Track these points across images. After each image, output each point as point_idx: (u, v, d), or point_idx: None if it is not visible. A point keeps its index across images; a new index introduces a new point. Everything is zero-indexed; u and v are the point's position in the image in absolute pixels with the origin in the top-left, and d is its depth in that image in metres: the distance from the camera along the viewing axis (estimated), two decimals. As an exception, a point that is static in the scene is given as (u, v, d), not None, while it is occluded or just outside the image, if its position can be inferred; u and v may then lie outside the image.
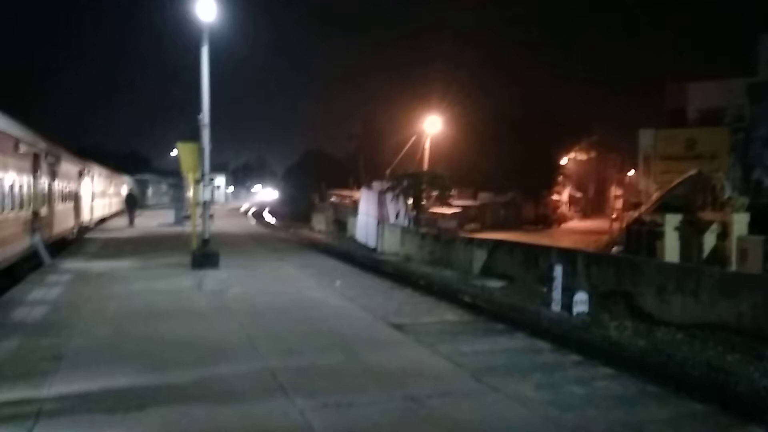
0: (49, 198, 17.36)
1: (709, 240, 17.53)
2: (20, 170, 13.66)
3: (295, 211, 57.39)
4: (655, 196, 24.75)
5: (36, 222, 15.36)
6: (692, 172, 21.00)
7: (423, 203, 30.84)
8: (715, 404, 6.23)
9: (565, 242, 27.73)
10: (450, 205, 35.16)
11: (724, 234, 17.39)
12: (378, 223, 25.67)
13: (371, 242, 25.72)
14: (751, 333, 9.53)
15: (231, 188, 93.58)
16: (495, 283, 15.10)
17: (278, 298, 11.29)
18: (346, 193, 44.66)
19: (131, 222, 30.22)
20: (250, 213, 57.87)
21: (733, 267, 16.03)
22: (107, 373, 6.51)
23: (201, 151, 15.66)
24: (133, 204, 32.62)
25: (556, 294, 11.97)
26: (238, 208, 66.88)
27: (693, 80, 36.76)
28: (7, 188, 12.39)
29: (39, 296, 11.03)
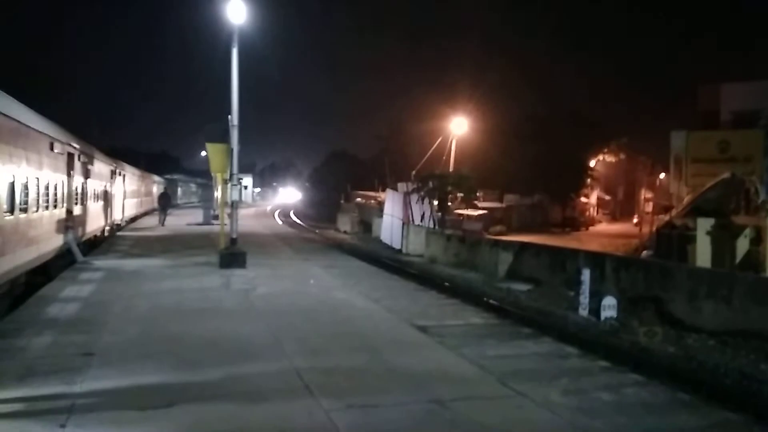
0: (82, 197, 17.76)
1: (743, 245, 17.13)
2: (55, 169, 14.00)
3: (321, 211, 57.72)
4: (686, 199, 24.30)
5: (69, 220, 15.71)
6: (725, 175, 20.55)
7: (448, 205, 30.75)
8: (749, 414, 6.08)
9: (593, 246, 27.39)
10: (476, 207, 34.99)
11: (758, 239, 16.99)
12: (403, 225, 25.67)
13: (396, 243, 25.73)
14: (786, 341, 9.28)
15: (258, 189, 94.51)
16: (521, 287, 14.97)
17: (304, 299, 11.36)
18: (371, 194, 44.75)
19: (162, 222, 30.38)
20: (276, 213, 58.40)
21: (767, 272, 15.64)
22: (137, 370, 6.63)
23: (230, 151, 15.86)
24: (166, 203, 32.61)
25: (584, 298, 11.82)
26: (265, 209, 67.49)
27: (726, 81, 35.93)
28: (42, 187, 12.71)
29: (72, 293, 11.29)
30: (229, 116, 15.75)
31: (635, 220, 44.56)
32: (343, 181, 53.49)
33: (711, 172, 25.21)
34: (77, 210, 16.85)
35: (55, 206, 14.12)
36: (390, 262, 19.73)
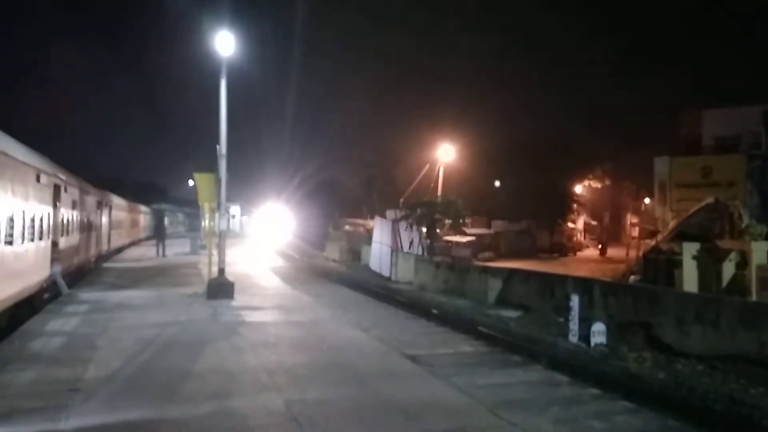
0: (68, 228, 17.61)
1: (728, 269, 17.31)
2: (41, 201, 13.91)
3: (310, 239, 57.54)
4: (672, 224, 24.55)
5: (55, 252, 15.55)
6: (709, 199, 20.83)
7: (437, 231, 30.81)
8: (739, 440, 6.08)
9: (581, 271, 27.48)
10: (464, 234, 35.08)
11: (743, 263, 17.17)
12: (392, 252, 25.66)
13: (385, 271, 25.68)
14: (774, 365, 9.33)
15: (246, 217, 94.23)
16: (510, 313, 14.97)
17: (293, 329, 11.27)
18: (360, 221, 44.77)
19: (161, 253, 29.13)
20: (264, 242, 58.11)
21: (753, 296, 15.78)
22: (123, 405, 6.52)
23: (218, 181, 15.85)
24: (163, 234, 31.78)
25: (573, 324, 11.85)
26: (253, 237, 67.15)
27: (708, 107, 36.66)
28: (28, 219, 12.61)
29: (56, 327, 11.11)
30: (218, 146, 15.79)
31: (600, 247, 47.23)
32: (332, 208, 53.52)
33: (695, 197, 25.58)
34: (63, 242, 16.69)
35: (40, 238, 13.98)
36: (379, 290, 19.67)
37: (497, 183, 48.10)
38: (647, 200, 54.88)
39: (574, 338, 11.71)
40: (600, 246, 48.83)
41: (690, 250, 17.89)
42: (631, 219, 63.94)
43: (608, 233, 63.25)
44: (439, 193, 33.08)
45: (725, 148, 33.41)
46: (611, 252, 45.94)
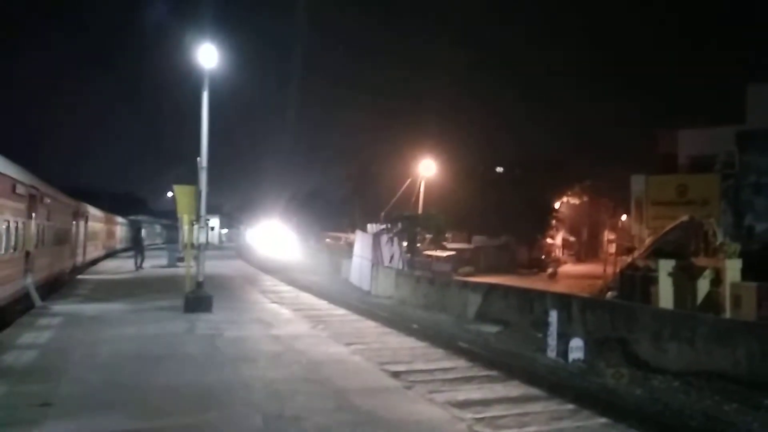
0: (43, 239, 17.30)
1: (703, 286, 17.58)
2: (15, 212, 13.67)
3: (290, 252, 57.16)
4: (648, 241, 24.89)
5: (28, 263, 15.26)
6: (684, 217, 21.18)
7: (418, 246, 30.88)
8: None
9: (560, 287, 27.71)
10: (444, 248, 35.20)
11: (717, 280, 17.46)
12: (372, 266, 25.60)
13: (365, 285, 25.59)
14: (747, 381, 9.47)
15: (225, 230, 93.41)
16: (490, 328, 15.00)
17: (272, 343, 11.17)
18: (340, 235, 44.71)
19: (138, 264, 28.62)
20: (244, 255, 57.64)
21: (728, 313, 16.03)
22: (97, 420, 6.40)
23: (198, 193, 15.73)
24: (140, 246, 31.02)
25: (552, 340, 11.90)
26: (233, 250, 66.55)
27: (683, 127, 37.43)
28: (2, 229, 12.37)
29: (29, 340, 10.88)
30: (198, 159, 15.69)
31: (550, 271, 42.79)
32: (313, 221, 53.37)
33: (670, 215, 25.98)
34: (37, 252, 16.39)
35: (14, 249, 13.72)
36: (359, 303, 19.58)
37: (478, 198, 48.48)
38: (624, 217, 55.65)
39: (552, 354, 11.76)
40: (550, 270, 43.32)
41: (666, 267, 18.15)
42: (608, 235, 64.77)
43: (586, 249, 63.99)
44: (421, 207, 33.21)
45: (700, 168, 34.09)
46: (589, 268, 46.40)
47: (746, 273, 17.40)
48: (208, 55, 15.21)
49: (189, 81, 15.95)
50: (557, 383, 9.20)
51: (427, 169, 33.84)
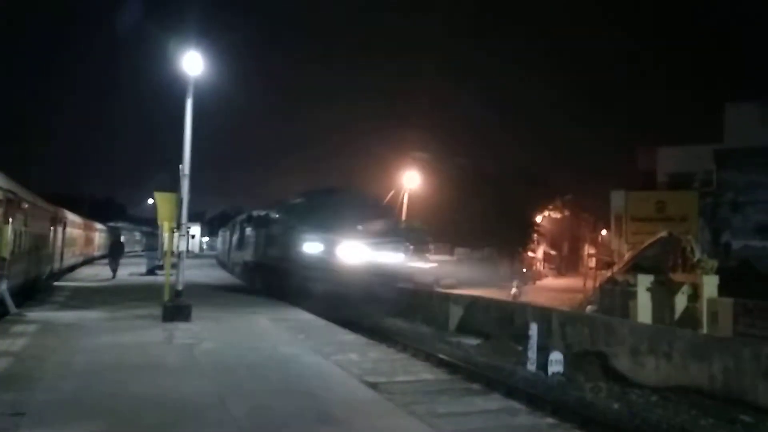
0: (18, 245, 17.00)
1: (681, 301, 17.83)
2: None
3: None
4: (627, 256, 25.20)
5: (4, 269, 14.97)
6: (663, 233, 21.51)
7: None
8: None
9: (540, 300, 27.85)
10: (427, 260, 35.25)
11: (694, 295, 17.72)
12: (354, 277, 25.50)
13: (347, 296, 25.48)
14: (722, 396, 9.61)
15: (207, 238, 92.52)
16: (471, 341, 15.05)
17: (251, 354, 11.06)
18: (323, 245, 44.41)
19: (116, 272, 28.13)
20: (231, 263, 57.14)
21: (705, 329, 16.25)
22: (71, 430, 6.27)
23: (179, 201, 15.58)
24: (118, 253, 30.34)
25: (532, 353, 11.98)
26: (213, 258, 65.97)
27: (662, 145, 38.11)
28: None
29: (2, 347, 10.64)
30: (180, 165, 15.56)
31: (513, 291, 31.71)
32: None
33: (649, 231, 26.36)
34: (12, 258, 16.08)
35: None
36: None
37: (461, 211, 48.75)
38: (604, 232, 56.32)
39: (532, 367, 11.83)
40: (513, 290, 32.63)
41: (644, 282, 18.38)
42: (588, 250, 65.47)
43: (567, 263, 64.49)
44: (403, 218, 33.26)
45: (679, 185, 34.72)
46: (569, 282, 46.73)
47: (723, 289, 17.69)
48: (192, 62, 15.13)
49: (174, 87, 15.85)
50: (537, 396, 9.25)
51: (410, 180, 33.95)
